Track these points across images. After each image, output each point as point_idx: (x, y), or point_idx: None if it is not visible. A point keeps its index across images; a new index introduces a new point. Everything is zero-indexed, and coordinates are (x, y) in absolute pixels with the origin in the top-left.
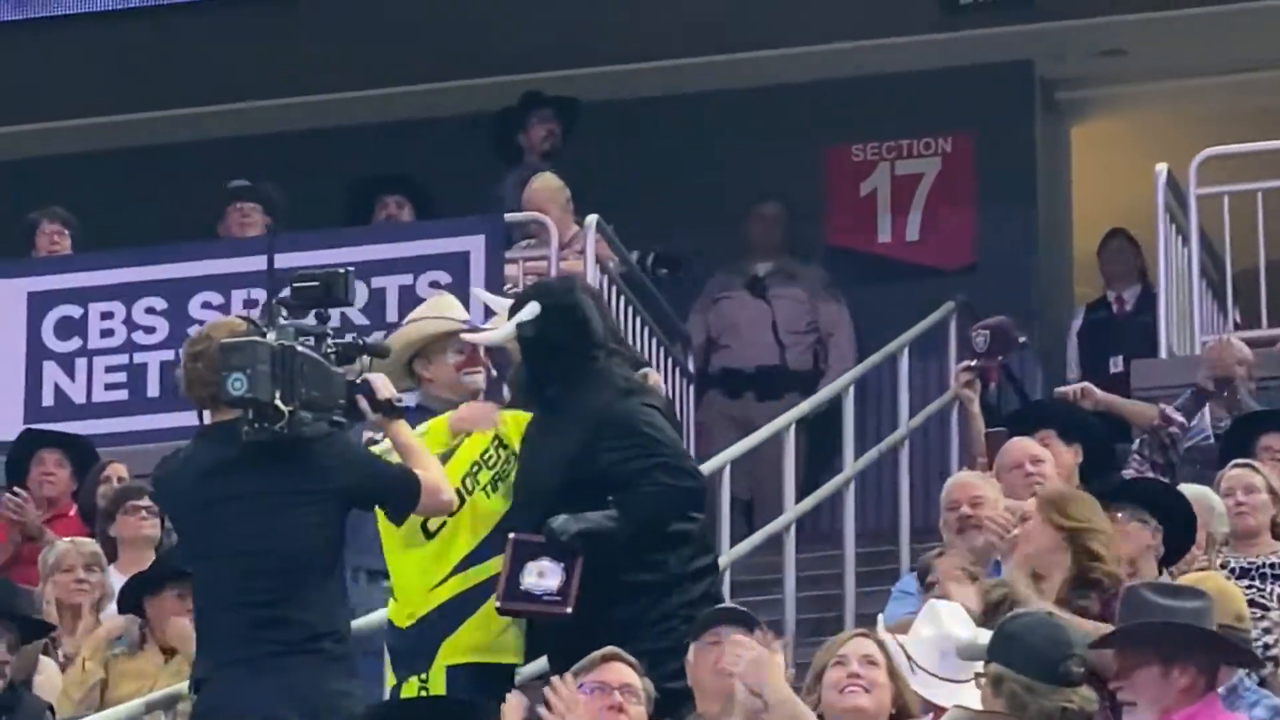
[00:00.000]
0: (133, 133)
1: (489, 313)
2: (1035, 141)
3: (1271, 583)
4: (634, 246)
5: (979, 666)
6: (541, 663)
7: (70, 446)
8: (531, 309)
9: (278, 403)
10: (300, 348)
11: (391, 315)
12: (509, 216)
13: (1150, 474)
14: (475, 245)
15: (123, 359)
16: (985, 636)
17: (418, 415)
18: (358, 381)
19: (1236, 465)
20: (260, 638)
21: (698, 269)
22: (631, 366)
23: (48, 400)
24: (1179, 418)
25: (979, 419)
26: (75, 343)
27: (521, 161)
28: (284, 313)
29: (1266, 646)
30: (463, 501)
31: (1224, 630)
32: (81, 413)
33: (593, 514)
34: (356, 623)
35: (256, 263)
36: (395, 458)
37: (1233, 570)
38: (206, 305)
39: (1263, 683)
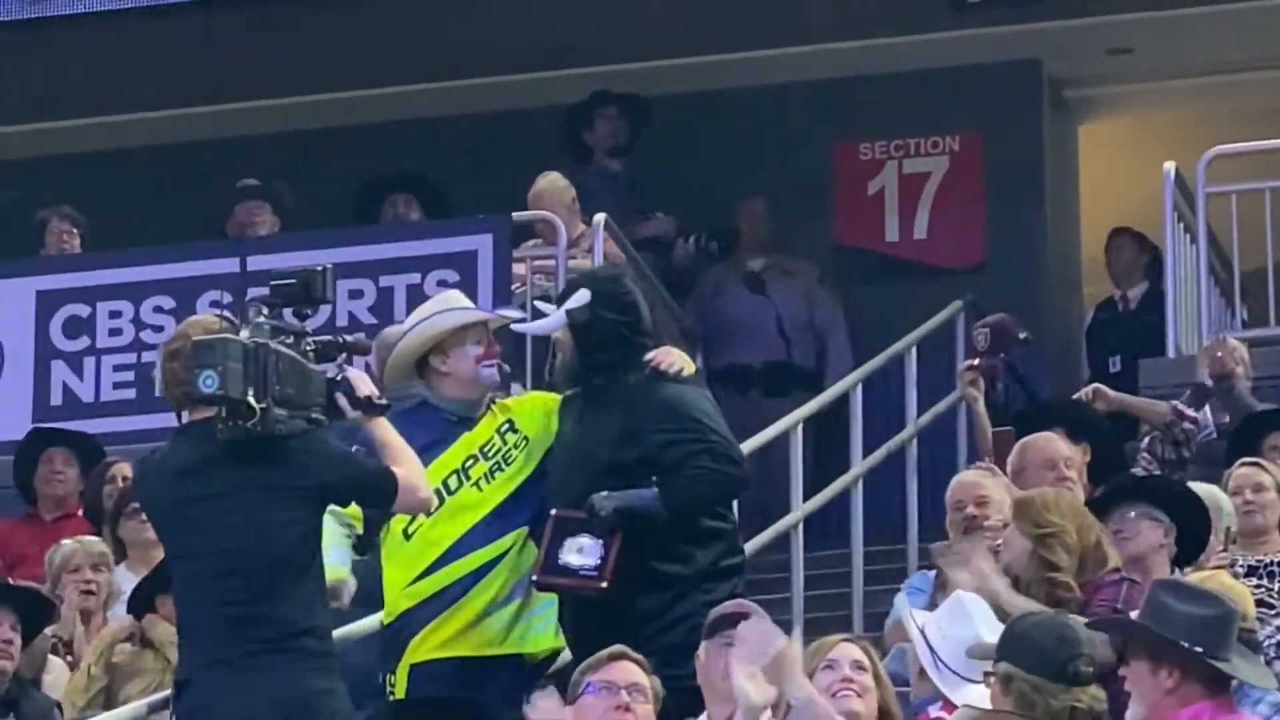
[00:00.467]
0: (141, 132)
1: (537, 313)
2: (1043, 140)
3: (1279, 581)
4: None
5: (989, 665)
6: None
7: (78, 445)
8: (581, 296)
9: (250, 400)
10: (275, 345)
11: (399, 314)
12: (517, 216)
13: (1160, 472)
14: (483, 244)
15: (131, 358)
16: (995, 635)
17: (423, 413)
18: (337, 379)
19: (1244, 464)
20: (238, 636)
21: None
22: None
23: (56, 399)
24: (1192, 413)
25: (984, 418)
26: (83, 341)
27: (590, 160)
28: (265, 311)
29: (1277, 645)
30: (441, 502)
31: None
32: (89, 411)
33: (635, 492)
34: None
35: (265, 262)
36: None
37: (1240, 569)
38: (215, 304)
39: None
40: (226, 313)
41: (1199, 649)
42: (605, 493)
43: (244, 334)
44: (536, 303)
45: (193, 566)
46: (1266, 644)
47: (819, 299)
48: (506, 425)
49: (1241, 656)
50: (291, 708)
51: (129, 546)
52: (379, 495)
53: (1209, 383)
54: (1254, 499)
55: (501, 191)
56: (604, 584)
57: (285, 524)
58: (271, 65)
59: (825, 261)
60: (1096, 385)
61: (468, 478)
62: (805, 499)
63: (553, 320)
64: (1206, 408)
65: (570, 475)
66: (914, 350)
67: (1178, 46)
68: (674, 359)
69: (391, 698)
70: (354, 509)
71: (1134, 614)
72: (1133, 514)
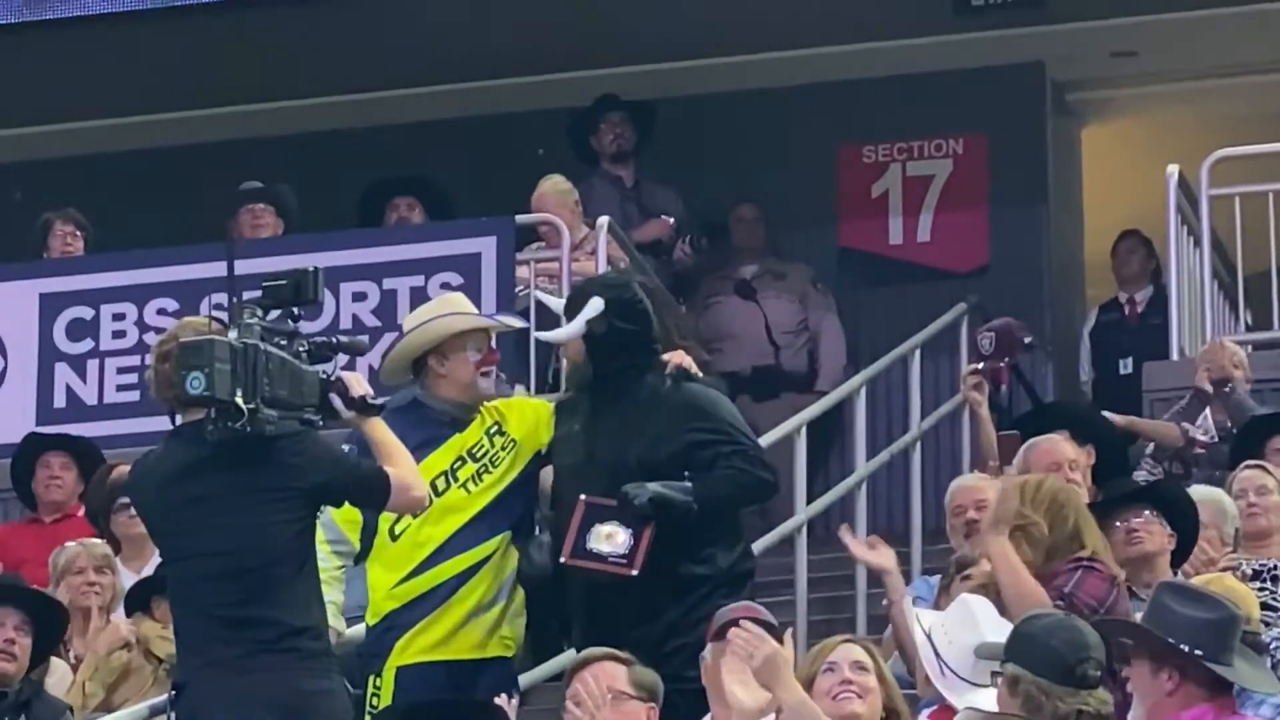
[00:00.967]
0: (144, 135)
1: (542, 314)
2: (1046, 143)
3: None
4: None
5: (996, 666)
6: (554, 664)
7: (74, 448)
8: (595, 305)
9: (238, 400)
10: (265, 346)
11: (402, 317)
12: (520, 218)
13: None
14: (486, 247)
15: (134, 360)
16: (1003, 636)
17: (414, 412)
18: (331, 379)
19: (1248, 466)
20: (234, 638)
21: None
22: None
23: (59, 402)
24: (1203, 437)
25: (988, 422)
26: (87, 344)
27: (598, 164)
28: (258, 312)
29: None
30: (431, 502)
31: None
32: (93, 414)
33: (669, 483)
34: None
35: (268, 264)
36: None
37: (1245, 572)
38: (219, 307)
39: None
40: (218, 314)
41: (1199, 652)
42: (639, 483)
43: (232, 335)
44: (540, 295)
45: (187, 569)
46: (1272, 646)
47: (812, 300)
48: (495, 428)
49: (1244, 659)
50: (289, 709)
51: (122, 542)
52: (373, 495)
53: (1208, 388)
54: (1258, 502)
55: (505, 194)
56: (634, 571)
57: (279, 525)
58: (276, 68)
59: (828, 264)
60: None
61: (455, 479)
62: (808, 502)
63: (571, 329)
64: (1206, 411)
65: (591, 475)
66: (917, 353)
67: (1181, 49)
68: (688, 360)
69: (375, 699)
70: (354, 515)
71: (1085, 599)
72: (1146, 514)
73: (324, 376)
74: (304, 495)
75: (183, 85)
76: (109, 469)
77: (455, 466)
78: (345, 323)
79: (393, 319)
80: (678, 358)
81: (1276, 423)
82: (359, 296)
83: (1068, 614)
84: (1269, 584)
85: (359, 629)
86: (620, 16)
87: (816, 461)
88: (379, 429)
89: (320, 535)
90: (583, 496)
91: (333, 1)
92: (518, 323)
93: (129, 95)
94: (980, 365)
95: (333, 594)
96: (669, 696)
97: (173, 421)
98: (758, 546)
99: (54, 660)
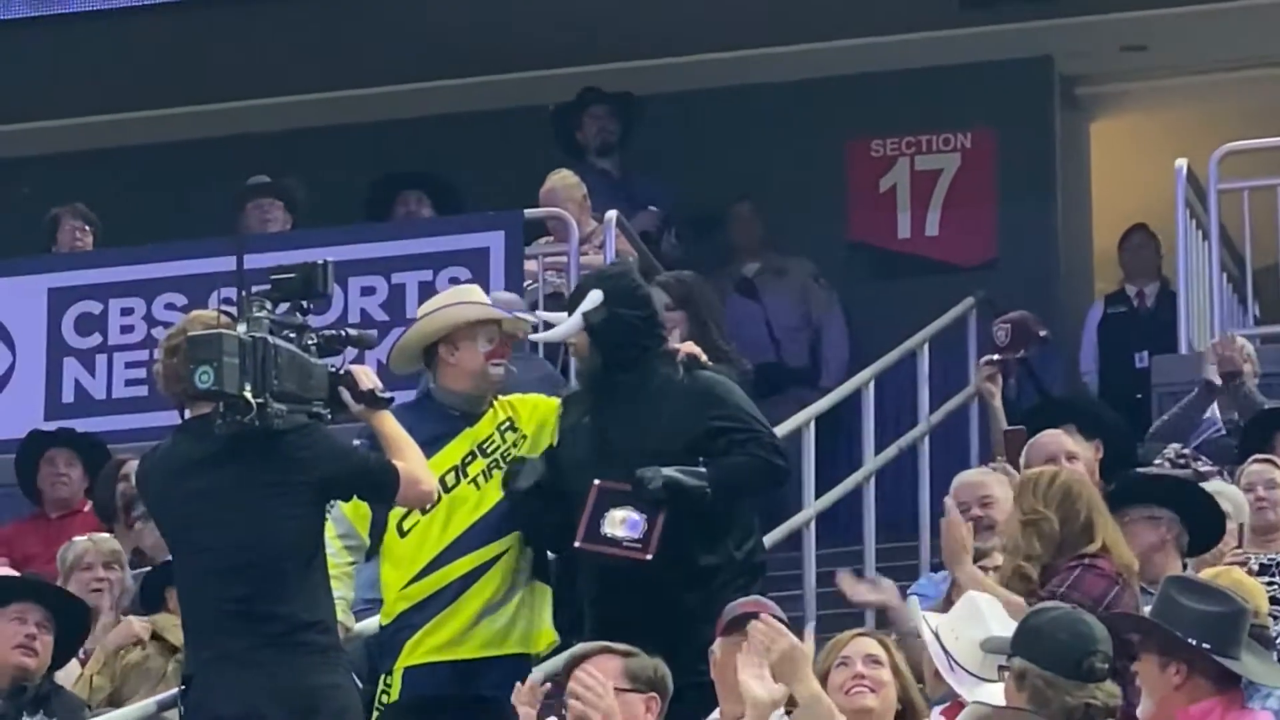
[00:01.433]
0: (153, 129)
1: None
2: (1055, 137)
3: None
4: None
5: (1003, 659)
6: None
7: (79, 445)
8: (594, 297)
9: (246, 394)
10: (274, 339)
11: (411, 311)
12: (529, 212)
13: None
14: (494, 241)
15: (142, 355)
16: (1009, 631)
17: (424, 406)
18: (340, 373)
19: (1257, 460)
20: (242, 631)
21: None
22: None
23: (68, 396)
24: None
25: (1001, 413)
26: (95, 339)
27: (583, 158)
28: (267, 306)
29: None
30: (440, 497)
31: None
32: (101, 409)
33: (683, 468)
34: None
35: (277, 259)
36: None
37: (1254, 566)
38: (227, 301)
39: None
40: (227, 308)
41: (1206, 645)
42: (653, 468)
43: (241, 329)
44: (542, 314)
45: (196, 562)
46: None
47: (814, 295)
48: (507, 423)
49: (1252, 653)
50: (298, 703)
51: (147, 553)
52: (381, 489)
53: (1217, 381)
54: (1266, 495)
55: (513, 188)
56: (649, 556)
57: (287, 518)
58: (286, 63)
59: (837, 258)
60: None
61: (465, 474)
62: (816, 496)
63: (570, 325)
64: (1215, 405)
65: (605, 465)
66: (926, 347)
67: (1190, 43)
68: (698, 349)
69: (385, 695)
70: (365, 510)
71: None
72: (1128, 518)
73: (333, 370)
74: (312, 489)
75: (191, 80)
76: (118, 464)
77: (466, 461)
78: (353, 317)
79: (401, 313)
80: (688, 347)
81: None
82: (367, 291)
83: (1074, 607)
84: (1277, 578)
85: (367, 623)
86: (632, 11)
87: (825, 455)
88: (388, 422)
89: (331, 530)
90: (597, 481)
91: None
92: (530, 316)
93: (137, 90)
94: (997, 356)
95: (342, 590)
96: (679, 691)
97: (181, 416)
98: (766, 540)
99: None
